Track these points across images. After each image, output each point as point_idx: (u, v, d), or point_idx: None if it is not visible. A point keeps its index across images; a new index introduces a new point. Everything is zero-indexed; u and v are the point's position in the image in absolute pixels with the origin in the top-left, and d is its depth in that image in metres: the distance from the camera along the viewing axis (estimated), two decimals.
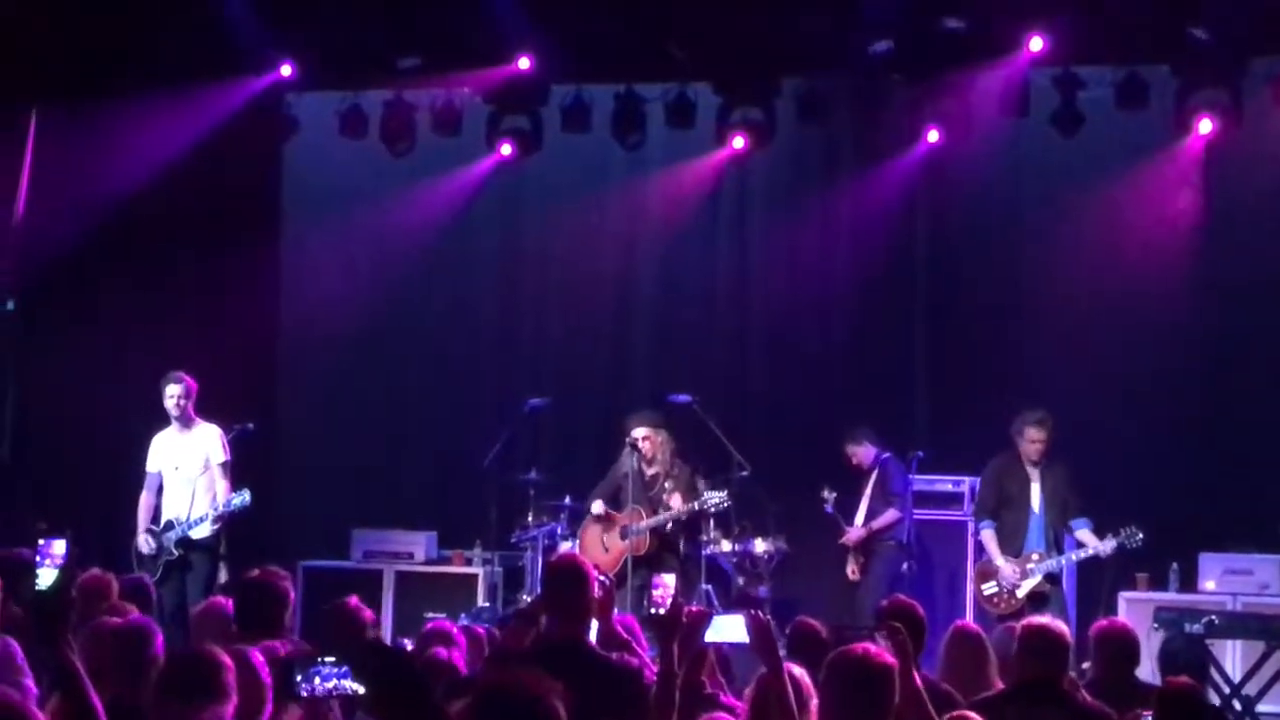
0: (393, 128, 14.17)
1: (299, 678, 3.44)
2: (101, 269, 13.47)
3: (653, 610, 5.75)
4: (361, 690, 3.37)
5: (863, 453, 13.10)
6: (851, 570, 12.98)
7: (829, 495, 13.01)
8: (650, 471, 12.47)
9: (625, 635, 6.82)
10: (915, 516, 12.98)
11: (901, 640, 5.51)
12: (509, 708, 4.05)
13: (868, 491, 12.99)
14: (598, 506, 12.60)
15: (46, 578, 5.49)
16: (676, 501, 12.34)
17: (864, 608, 11.96)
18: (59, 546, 5.56)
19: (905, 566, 12.67)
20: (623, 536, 12.25)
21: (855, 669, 5.15)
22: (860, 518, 12.95)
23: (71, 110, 13.49)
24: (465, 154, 14.68)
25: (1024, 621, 7.13)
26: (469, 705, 3.40)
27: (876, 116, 14.01)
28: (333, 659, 3.41)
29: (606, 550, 12.25)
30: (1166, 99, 13.02)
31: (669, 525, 12.35)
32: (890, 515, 12.71)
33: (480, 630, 8.48)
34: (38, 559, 5.56)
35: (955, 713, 5.77)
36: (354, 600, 7.46)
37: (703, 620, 6.08)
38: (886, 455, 13.01)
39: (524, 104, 13.97)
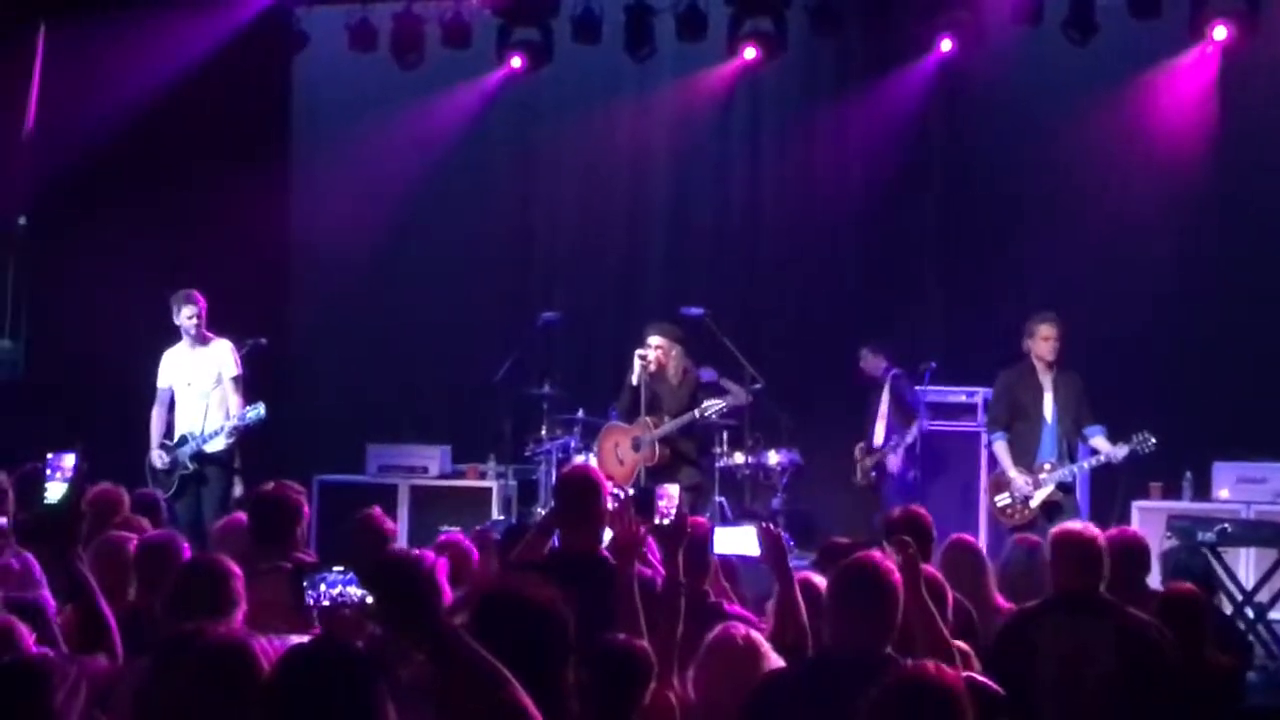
0: (402, 41, 14.13)
1: (305, 586, 3.45)
2: (112, 185, 13.43)
3: (657, 520, 5.73)
4: (368, 598, 3.36)
5: (873, 364, 13.25)
6: (861, 476, 13.20)
7: None
8: (660, 382, 12.29)
9: None
10: (928, 428, 13.03)
11: (911, 554, 5.49)
12: (509, 615, 4.05)
13: (882, 408, 13.08)
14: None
15: (55, 491, 5.46)
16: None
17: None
18: (68, 460, 5.53)
19: (911, 475, 12.73)
20: (634, 448, 12.19)
21: (861, 577, 5.15)
22: (880, 435, 13.11)
23: (80, 26, 13.43)
24: (475, 67, 14.64)
25: (1054, 530, 6.97)
26: (470, 614, 3.40)
27: (888, 26, 13.95)
28: (340, 567, 3.41)
29: (622, 463, 12.15)
30: (1181, 6, 12.94)
31: (677, 434, 12.19)
32: (913, 432, 12.80)
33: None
34: (47, 473, 5.54)
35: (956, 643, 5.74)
36: (376, 511, 7.47)
37: (707, 530, 6.09)
38: (896, 371, 13.08)
39: (534, 16, 13.92)
